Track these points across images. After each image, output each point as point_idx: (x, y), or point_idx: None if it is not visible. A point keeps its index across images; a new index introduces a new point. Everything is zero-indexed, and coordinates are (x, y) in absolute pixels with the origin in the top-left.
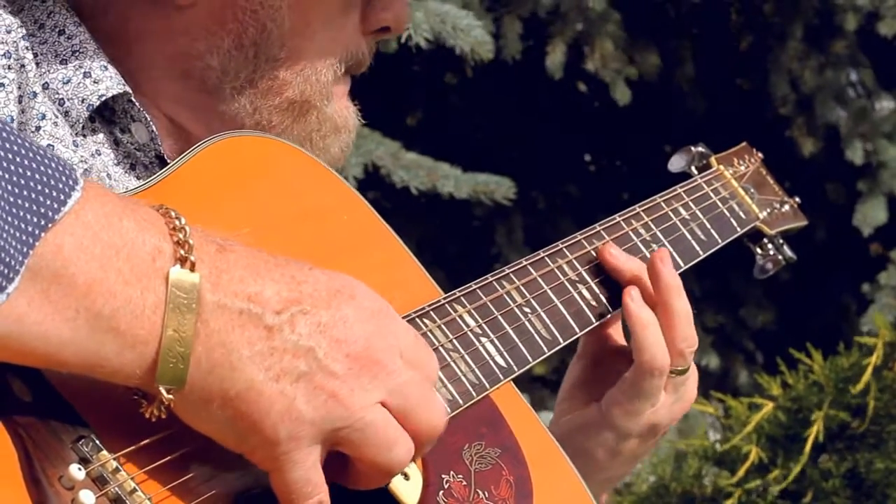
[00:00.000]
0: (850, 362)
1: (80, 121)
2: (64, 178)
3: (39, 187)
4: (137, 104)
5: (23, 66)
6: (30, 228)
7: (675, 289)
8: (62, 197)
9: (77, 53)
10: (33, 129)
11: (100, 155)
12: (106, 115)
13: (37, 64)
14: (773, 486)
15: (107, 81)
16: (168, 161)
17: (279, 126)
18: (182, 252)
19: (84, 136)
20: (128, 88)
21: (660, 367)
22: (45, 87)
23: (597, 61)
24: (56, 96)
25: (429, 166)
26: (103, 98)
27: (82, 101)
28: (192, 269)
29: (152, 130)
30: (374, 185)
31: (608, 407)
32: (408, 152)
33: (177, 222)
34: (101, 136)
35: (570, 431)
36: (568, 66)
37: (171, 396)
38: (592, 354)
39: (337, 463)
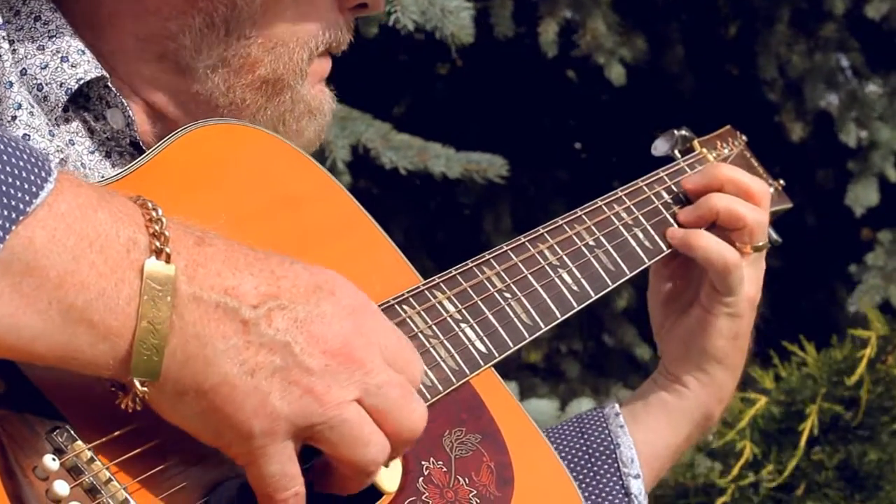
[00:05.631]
0: (843, 355)
1: (60, 105)
2: (36, 170)
3: (11, 179)
4: (114, 89)
5: None
6: (0, 222)
7: (705, 194)
8: (34, 189)
9: (53, 38)
10: (9, 118)
11: (74, 144)
12: (80, 102)
13: (13, 51)
14: (767, 482)
15: (84, 65)
16: (143, 147)
17: (253, 105)
18: (158, 244)
19: (58, 125)
20: (105, 72)
21: (734, 263)
22: (23, 73)
23: (589, 42)
24: (34, 82)
25: (419, 146)
26: (82, 81)
27: (60, 86)
28: (168, 260)
29: (128, 116)
30: (362, 166)
31: (710, 304)
32: (398, 133)
33: (153, 213)
34: (75, 124)
35: (688, 337)
36: (558, 52)
37: (145, 389)
38: (667, 272)
39: (319, 469)
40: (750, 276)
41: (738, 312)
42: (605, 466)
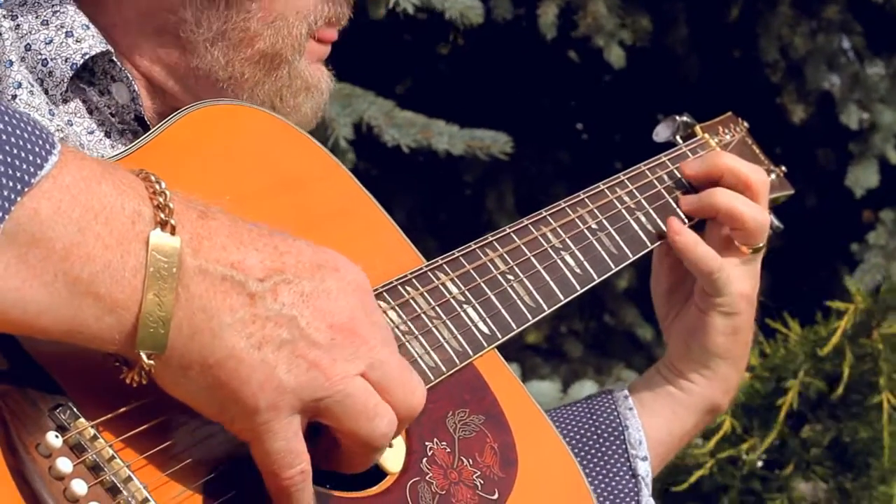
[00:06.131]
0: (827, 331)
1: (65, 80)
2: (41, 143)
3: (16, 151)
4: (119, 63)
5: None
6: (5, 193)
7: (704, 181)
8: (39, 161)
9: (58, 13)
10: (9, 97)
11: (72, 125)
12: (85, 77)
13: (17, 26)
14: (751, 456)
15: (89, 40)
16: (148, 122)
17: (251, 79)
18: (162, 216)
19: (58, 105)
20: (110, 47)
21: (717, 267)
22: (28, 48)
23: (589, 24)
24: (39, 57)
25: (422, 123)
26: (87, 56)
27: (66, 61)
28: (173, 232)
29: (133, 90)
30: (365, 144)
31: (703, 303)
32: (401, 111)
33: (157, 186)
34: (74, 104)
35: (688, 336)
36: (559, 34)
37: (151, 362)
38: (668, 263)
39: (325, 448)
40: (743, 274)
41: (732, 310)
42: (613, 447)
